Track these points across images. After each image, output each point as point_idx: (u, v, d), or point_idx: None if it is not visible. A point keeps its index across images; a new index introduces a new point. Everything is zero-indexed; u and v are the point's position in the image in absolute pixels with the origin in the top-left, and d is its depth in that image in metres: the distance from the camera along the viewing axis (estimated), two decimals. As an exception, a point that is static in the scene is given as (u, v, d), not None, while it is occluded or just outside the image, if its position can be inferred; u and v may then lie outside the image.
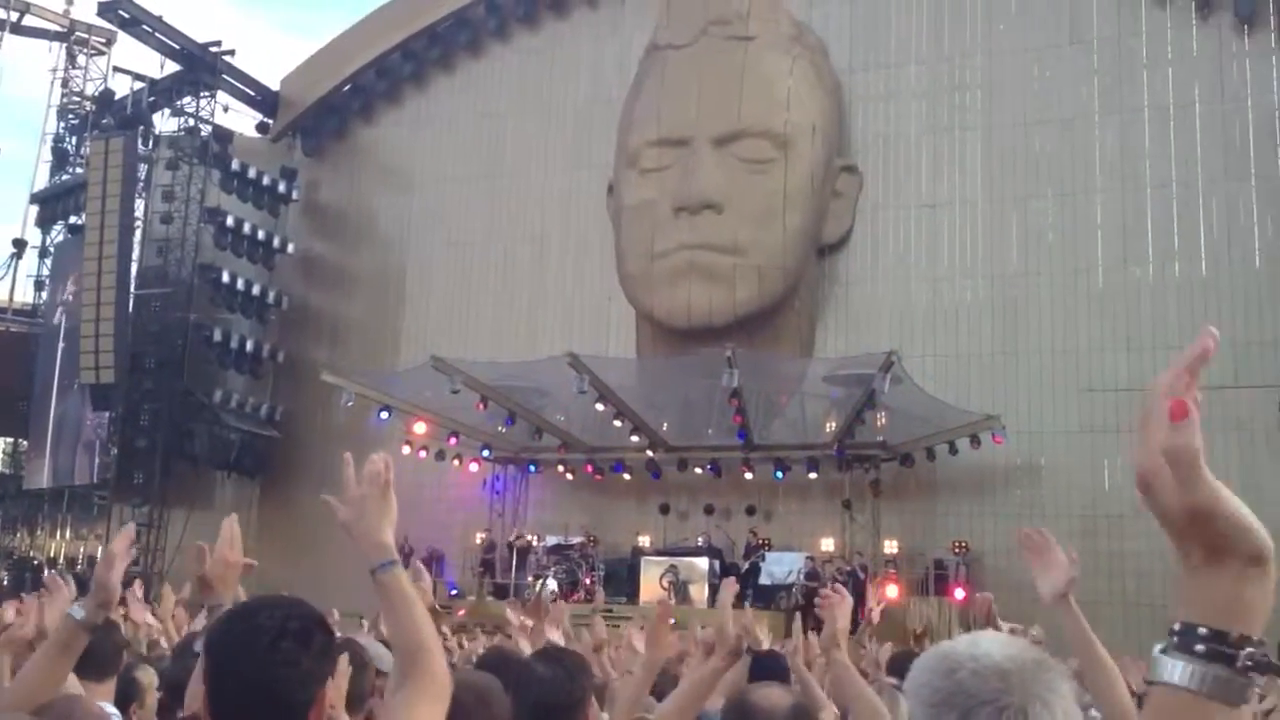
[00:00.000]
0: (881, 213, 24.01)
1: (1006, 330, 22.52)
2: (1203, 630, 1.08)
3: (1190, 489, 1.10)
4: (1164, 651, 1.11)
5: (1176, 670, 1.09)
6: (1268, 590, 1.09)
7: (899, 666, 5.10)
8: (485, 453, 23.76)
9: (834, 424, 21.69)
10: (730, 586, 3.75)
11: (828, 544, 21.72)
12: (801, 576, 20.47)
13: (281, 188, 28.48)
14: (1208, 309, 21.18)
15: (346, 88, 29.25)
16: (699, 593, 20.90)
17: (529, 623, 5.73)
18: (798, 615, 9.16)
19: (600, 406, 21.23)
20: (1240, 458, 19.86)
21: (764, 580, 21.02)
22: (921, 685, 1.47)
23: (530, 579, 22.14)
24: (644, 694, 3.67)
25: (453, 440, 22.90)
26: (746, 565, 21.47)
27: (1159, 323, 21.38)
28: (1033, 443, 21.46)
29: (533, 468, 24.51)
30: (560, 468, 24.12)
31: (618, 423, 21.87)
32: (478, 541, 23.83)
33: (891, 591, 19.78)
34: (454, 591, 23.09)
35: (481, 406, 21.31)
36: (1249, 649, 1.07)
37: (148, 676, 4.19)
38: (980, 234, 23.23)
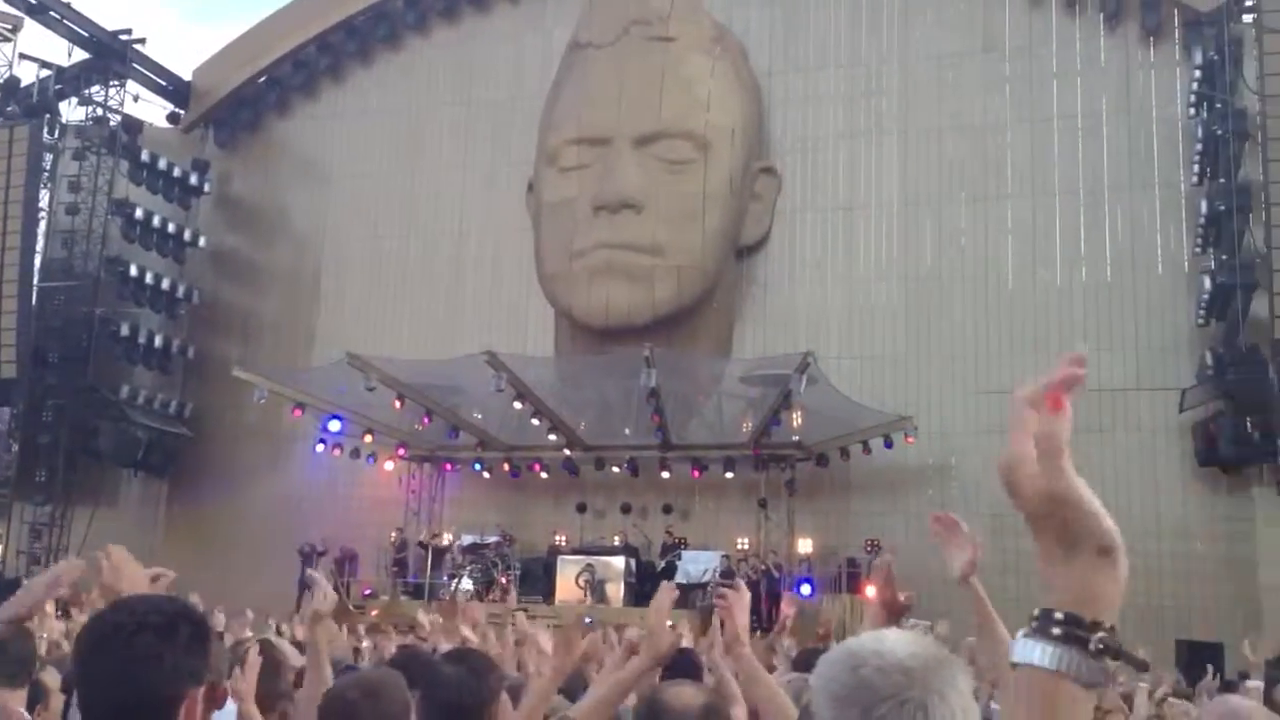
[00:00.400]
0: (799, 215, 24.28)
1: (920, 332, 22.91)
2: (1059, 615, 1.14)
3: (1051, 476, 1.16)
4: (1025, 635, 1.18)
5: (1035, 651, 1.16)
6: (1117, 579, 1.15)
7: (806, 662, 5.16)
8: (401, 451, 23.57)
9: (750, 424, 21.89)
10: (669, 591, 3.75)
11: (743, 543, 21.90)
12: (717, 575, 20.62)
13: (193, 180, 27.93)
14: (1112, 313, 21.77)
15: (261, 79, 28.77)
16: (615, 592, 20.97)
17: (439, 620, 5.70)
18: (715, 613, 9.23)
19: (518, 405, 21.18)
20: (1141, 457, 20.44)
21: (680, 579, 21.10)
22: (828, 680, 1.50)
23: (445, 578, 22.02)
24: (549, 697, 3.68)
25: (368, 438, 22.66)
26: (663, 564, 21.59)
27: (1066, 326, 21.91)
28: (943, 443, 21.86)
29: (449, 466, 24.37)
30: (477, 466, 24.00)
31: (535, 421, 21.82)
32: (391, 540, 23.60)
33: (800, 595, 20.00)
34: (368, 592, 22.85)
35: (398, 404, 21.12)
36: (1100, 634, 1.13)
37: (52, 678, 4.13)
38: (895, 237, 23.60)
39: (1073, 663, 1.13)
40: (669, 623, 3.73)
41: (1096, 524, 1.16)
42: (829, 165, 24.30)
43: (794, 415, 21.18)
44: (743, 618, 3.47)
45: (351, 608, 21.11)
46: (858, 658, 1.48)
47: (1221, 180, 20.42)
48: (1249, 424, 19.38)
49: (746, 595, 3.61)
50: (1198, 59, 21.50)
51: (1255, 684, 5.50)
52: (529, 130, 25.22)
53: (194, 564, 19.09)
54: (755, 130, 24.31)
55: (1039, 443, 1.16)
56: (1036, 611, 1.16)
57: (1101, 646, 1.12)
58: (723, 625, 3.66)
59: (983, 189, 23.14)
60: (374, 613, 20.36)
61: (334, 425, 22.33)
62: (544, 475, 23.51)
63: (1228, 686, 8.45)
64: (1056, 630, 1.14)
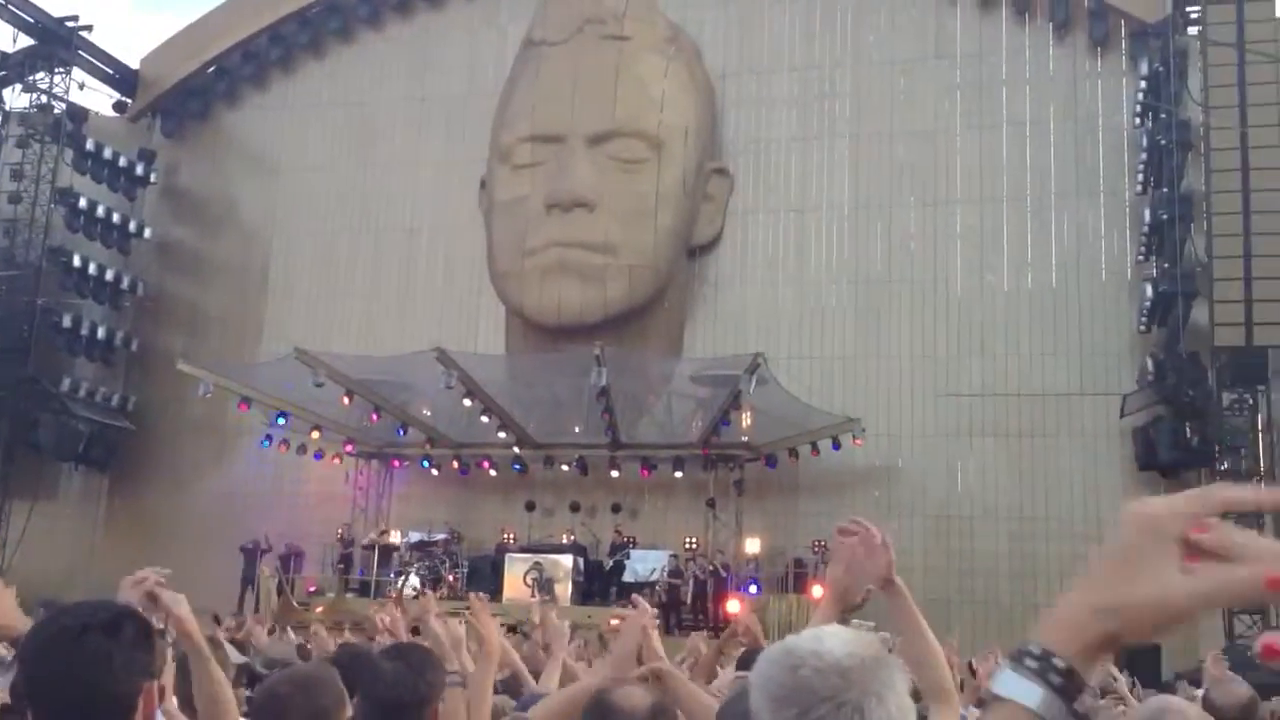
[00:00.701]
0: (751, 216, 24.38)
1: (869, 334, 23.09)
2: (1060, 665, 1.10)
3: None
4: (1014, 670, 1.12)
5: (1024, 690, 1.10)
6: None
7: (748, 662, 5.19)
8: (349, 448, 23.39)
9: (700, 424, 21.95)
10: (639, 620, 3.62)
11: (691, 542, 21.94)
12: (664, 574, 20.67)
13: (139, 170, 27.45)
14: (1057, 319, 22.08)
15: (210, 69, 28.38)
16: (563, 590, 20.93)
17: (389, 617, 5.68)
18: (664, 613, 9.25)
19: (468, 402, 21.09)
20: (1083, 461, 20.76)
21: (628, 578, 21.15)
22: (766, 680, 1.51)
23: (392, 575, 21.89)
24: (486, 683, 3.68)
25: (315, 434, 22.46)
26: (611, 563, 21.61)
27: (1012, 330, 22.20)
28: (891, 445, 22.06)
29: (397, 463, 24.22)
30: (425, 464, 23.87)
31: (485, 419, 21.75)
32: (337, 536, 23.39)
33: (734, 606, 19.98)
34: (313, 589, 22.63)
35: (346, 401, 20.95)
36: (1087, 697, 1.10)
37: None
38: (846, 239, 23.76)
39: (1059, 714, 1.10)
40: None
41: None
42: (781, 167, 24.43)
43: (743, 416, 21.26)
44: (630, 643, 3.45)
45: (296, 605, 20.94)
46: (796, 657, 1.49)
47: (1165, 189, 20.77)
48: (1188, 429, 19.75)
49: (647, 613, 3.57)
50: (1144, 70, 21.86)
51: (1199, 692, 5.57)
52: (482, 127, 25.11)
53: (135, 560, 18.66)
54: (708, 131, 24.38)
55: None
56: (1037, 650, 1.12)
57: (1085, 710, 1.10)
58: (694, 625, 3.66)
59: (932, 193, 23.36)
60: (319, 610, 20.18)
61: (283, 421, 22.08)
62: (493, 473, 23.43)
63: (1165, 688, 8.59)
64: (1056, 679, 1.10)
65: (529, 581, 21.02)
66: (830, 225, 23.92)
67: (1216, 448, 19.48)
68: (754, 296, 23.96)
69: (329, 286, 26.44)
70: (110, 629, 1.96)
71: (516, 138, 23.99)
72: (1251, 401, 19.40)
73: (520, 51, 25.15)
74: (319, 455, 23.24)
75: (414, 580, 21.32)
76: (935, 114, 23.71)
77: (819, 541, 21.11)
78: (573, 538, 22.19)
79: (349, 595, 22.00)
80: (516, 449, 22.71)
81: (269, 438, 22.59)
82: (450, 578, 21.51)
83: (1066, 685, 1.08)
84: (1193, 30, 21.18)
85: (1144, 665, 12.65)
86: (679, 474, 22.10)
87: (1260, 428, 19.53)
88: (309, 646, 9.59)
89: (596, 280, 22.87)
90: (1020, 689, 1.09)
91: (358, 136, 27.09)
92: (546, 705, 3.44)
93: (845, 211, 23.83)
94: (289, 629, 12.06)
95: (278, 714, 2.86)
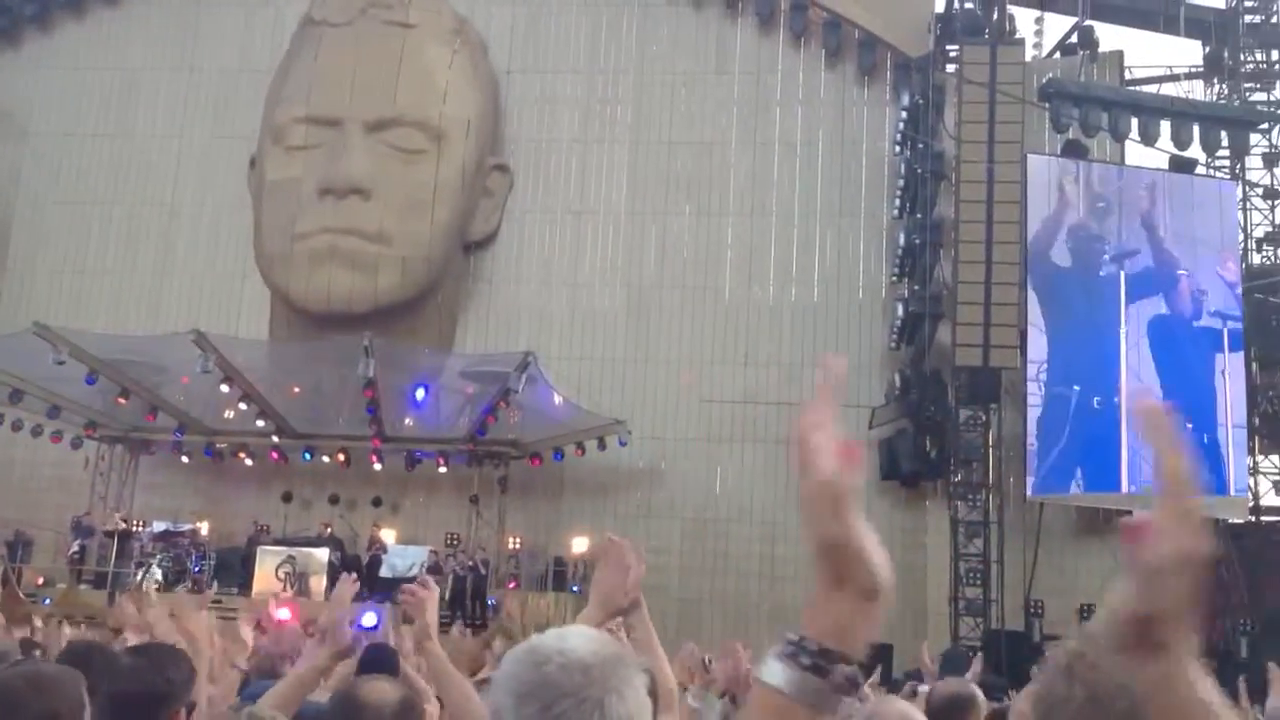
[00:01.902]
0: (529, 215, 24.41)
1: (639, 338, 23.51)
2: (811, 646, 1.24)
3: (833, 521, 1.25)
4: (775, 657, 1.26)
5: (781, 675, 1.24)
6: (875, 620, 1.27)
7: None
8: (89, 432, 22.04)
9: (467, 419, 21.82)
10: (348, 584, 3.70)
11: (454, 538, 21.77)
12: (423, 570, 20.42)
13: None
14: (816, 332, 23.06)
15: (-46, 18, 26.25)
16: (318, 584, 20.36)
17: (130, 610, 5.42)
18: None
19: (225, 388, 20.26)
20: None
21: (385, 573, 20.80)
22: (510, 677, 1.54)
23: (133, 567, 20.75)
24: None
25: (53, 415, 21.07)
26: (368, 557, 21.18)
27: (774, 342, 23.06)
28: (655, 447, 22.53)
29: (146, 449, 23.00)
30: (176, 450, 22.77)
31: (244, 406, 20.95)
32: (71, 524, 21.97)
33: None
34: (41, 581, 21.15)
35: (91, 381, 19.75)
36: (847, 668, 1.24)
37: None
38: (621, 244, 24.11)
39: (812, 691, 1.24)
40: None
41: (868, 569, 1.26)
42: (561, 168, 24.57)
43: (511, 413, 21.29)
44: (431, 614, 3.48)
45: (23, 596, 19.58)
46: (541, 655, 1.53)
47: (918, 215, 22.05)
48: (928, 442, 21.03)
49: (435, 592, 3.62)
50: (905, 101, 23.10)
51: (925, 688, 5.93)
52: (253, 105, 24.18)
53: None
54: (490, 126, 24.27)
55: (823, 489, 1.26)
56: (794, 636, 1.26)
57: (843, 679, 1.24)
58: (412, 621, 3.67)
59: (706, 204, 24.00)
60: (48, 603, 18.94)
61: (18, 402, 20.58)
62: (249, 462, 22.61)
63: (894, 686, 9.12)
64: (806, 660, 1.24)
65: (281, 575, 20.35)
66: (606, 229, 24.22)
67: (952, 460, 20.81)
68: (528, 295, 24.01)
69: (78, 259, 24.88)
70: None
71: (291, 118, 23.20)
72: (984, 418, 20.80)
73: (299, 29, 24.35)
74: (57, 438, 21.82)
75: (156, 573, 20.31)
76: (713, 127, 24.37)
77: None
78: (324, 531, 21.61)
79: (83, 587, 20.72)
80: (276, 438, 21.97)
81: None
82: (196, 570, 20.62)
83: (819, 664, 1.22)
84: (950, 68, 22.53)
85: (876, 662, 13.35)
86: (443, 469, 21.90)
87: (991, 443, 20.98)
88: (36, 640, 9.01)
89: (368, 269, 22.39)
90: (771, 672, 1.23)
91: (118, 103, 25.61)
92: (275, 691, 3.38)
93: (621, 216, 24.18)
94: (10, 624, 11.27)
95: (10, 709, 2.70)
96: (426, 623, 3.46)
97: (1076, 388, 20.15)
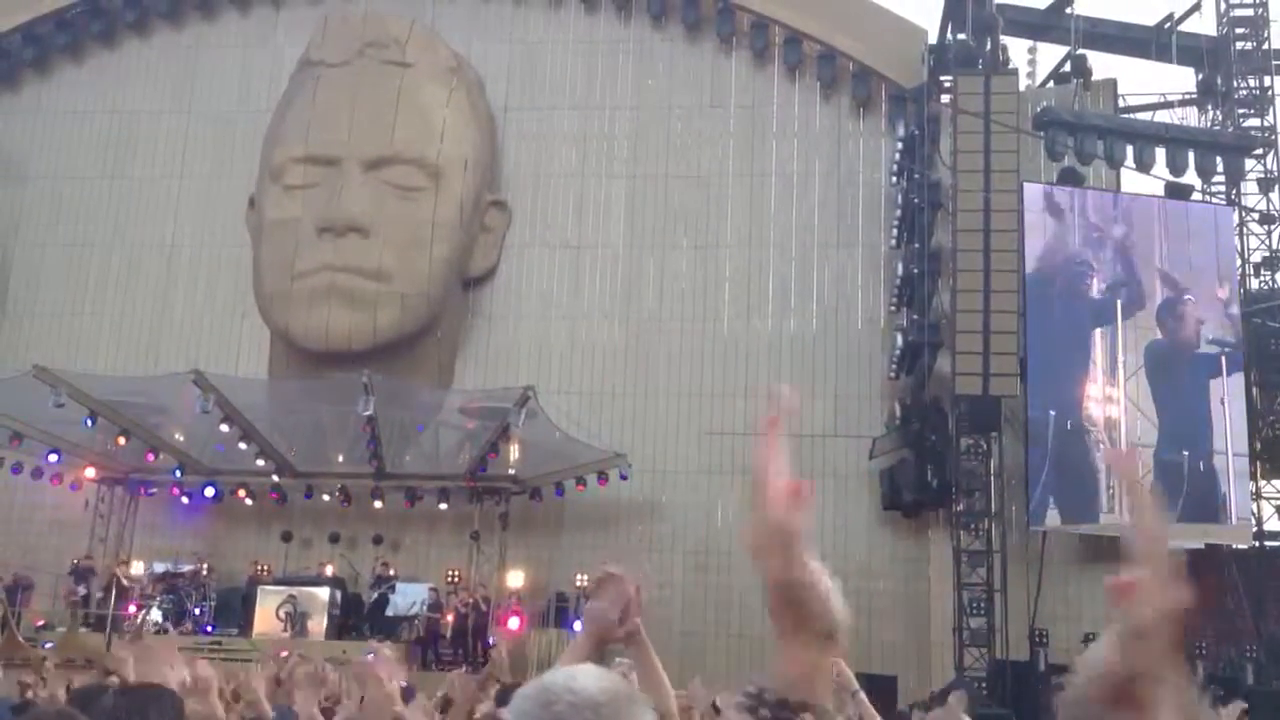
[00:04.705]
0: (527, 250, 24.48)
1: (638, 372, 23.51)
2: (770, 698, 1.23)
3: (787, 565, 1.24)
4: (737, 712, 1.25)
5: None
6: (834, 657, 1.26)
7: (505, 698, 5.20)
8: (91, 473, 22.00)
9: (467, 456, 21.78)
10: (389, 665, 3.65)
11: (454, 575, 21.68)
12: (424, 608, 20.36)
13: None
14: (815, 363, 23.06)
15: (-47, 64, 26.42)
16: (318, 625, 20.28)
17: (125, 655, 5.36)
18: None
19: (225, 428, 20.25)
20: (836, 501, 21.67)
21: (389, 612, 20.73)
22: (522, 715, 1.54)
23: (133, 609, 20.63)
24: None
25: (53, 458, 21.04)
26: (375, 596, 21.11)
27: (774, 373, 23.02)
28: (656, 481, 22.48)
29: (145, 490, 22.92)
30: (176, 490, 22.71)
31: (243, 445, 20.92)
32: (73, 565, 21.86)
33: (513, 623, 20.09)
34: (40, 624, 21.01)
35: (90, 422, 19.74)
36: (806, 717, 1.23)
37: None
38: (619, 278, 24.16)
39: None
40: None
41: (823, 609, 1.25)
42: (559, 203, 24.66)
43: (511, 448, 21.26)
44: (391, 685, 3.47)
45: (23, 640, 19.45)
46: (551, 694, 1.52)
47: (916, 245, 22.11)
48: (929, 472, 20.98)
49: (392, 663, 3.62)
50: (901, 132, 23.22)
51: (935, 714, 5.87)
52: (251, 146, 24.30)
53: None
54: (488, 163, 24.38)
55: (774, 534, 1.24)
56: (753, 689, 1.25)
57: None
58: (454, 661, 3.67)
59: (704, 237, 24.07)
60: (49, 646, 18.82)
61: (53, 458, 20.64)
62: (249, 501, 22.57)
63: (899, 717, 9.06)
64: (765, 712, 1.23)
65: (282, 615, 20.26)
66: (605, 263, 24.28)
67: (954, 490, 20.75)
68: (527, 330, 24.03)
69: (78, 302, 24.94)
70: None
71: (290, 157, 23.30)
72: (985, 447, 20.78)
73: (296, 71, 24.50)
74: (57, 480, 21.78)
75: (156, 614, 20.21)
76: (709, 160, 24.48)
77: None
78: (324, 571, 21.52)
79: (84, 630, 20.61)
80: (276, 477, 21.93)
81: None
82: (196, 611, 20.51)
83: (779, 713, 1.21)
84: (945, 98, 22.66)
85: (881, 694, 13.27)
86: (444, 506, 21.84)
87: (993, 472, 20.94)
88: (32, 685, 8.93)
89: (367, 307, 22.42)
90: None
91: (116, 146, 25.74)
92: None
93: (619, 250, 24.25)
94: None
95: None
96: (388, 693, 3.45)
97: (1053, 412, 20.15)
